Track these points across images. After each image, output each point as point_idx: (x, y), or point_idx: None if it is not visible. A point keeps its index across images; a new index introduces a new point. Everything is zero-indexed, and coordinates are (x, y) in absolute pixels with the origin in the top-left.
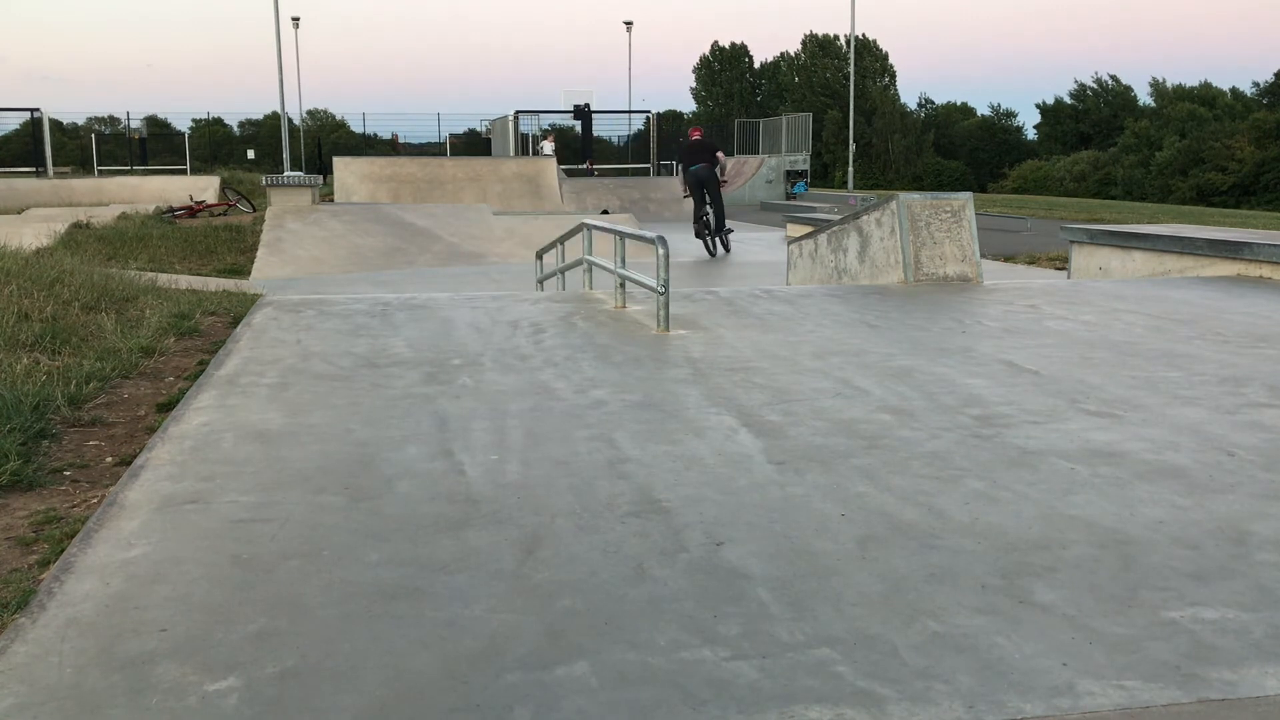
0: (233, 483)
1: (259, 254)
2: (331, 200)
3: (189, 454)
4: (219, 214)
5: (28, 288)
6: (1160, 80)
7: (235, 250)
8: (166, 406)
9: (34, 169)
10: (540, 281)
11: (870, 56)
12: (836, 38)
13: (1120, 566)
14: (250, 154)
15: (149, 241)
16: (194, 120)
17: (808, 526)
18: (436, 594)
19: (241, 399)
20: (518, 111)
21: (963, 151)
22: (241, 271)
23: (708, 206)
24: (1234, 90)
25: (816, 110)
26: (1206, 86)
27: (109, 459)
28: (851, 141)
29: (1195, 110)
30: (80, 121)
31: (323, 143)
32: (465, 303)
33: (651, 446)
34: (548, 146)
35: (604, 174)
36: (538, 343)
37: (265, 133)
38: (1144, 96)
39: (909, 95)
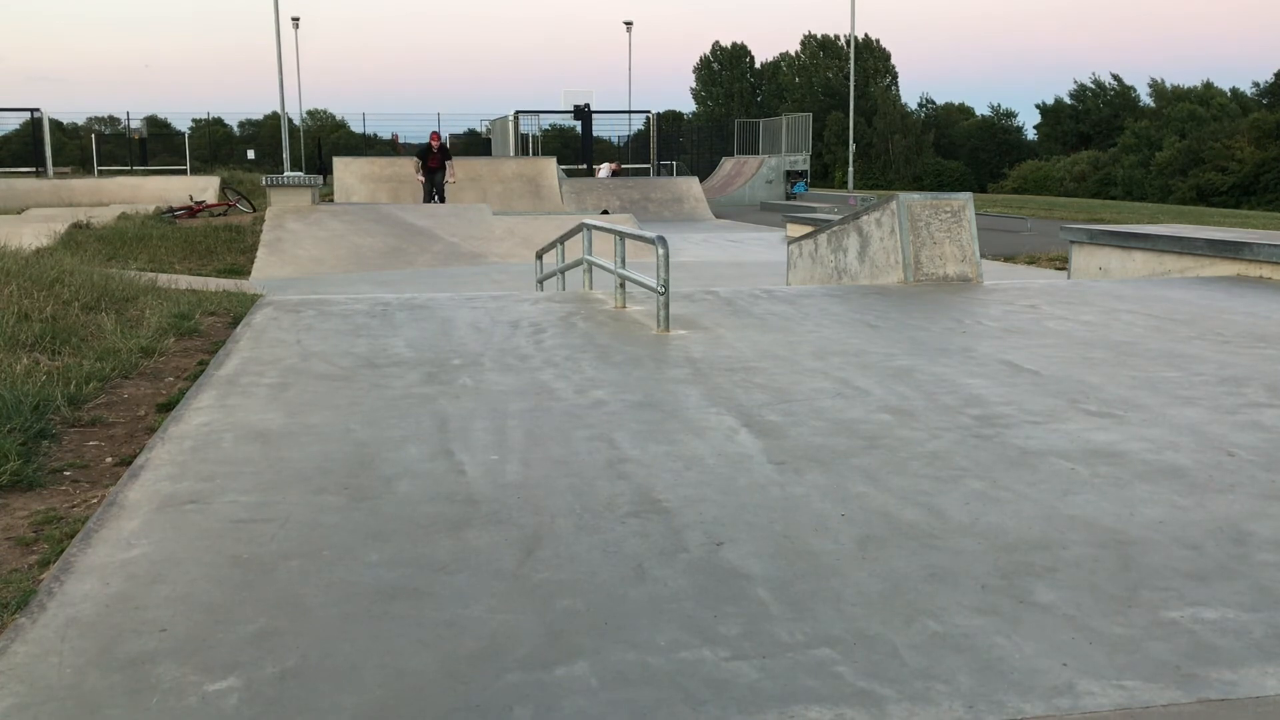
0: (233, 483)
1: (259, 254)
2: (331, 200)
3: (189, 454)
4: (219, 214)
5: (28, 288)
6: (1160, 80)
7: (235, 250)
8: (166, 406)
9: (34, 169)
10: (540, 281)
11: (871, 56)
12: (837, 38)
13: (1120, 566)
14: (250, 154)
15: (149, 241)
16: (194, 120)
17: (808, 526)
18: (436, 594)
19: (241, 399)
20: (518, 111)
21: (963, 151)
22: (241, 272)
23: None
24: (1234, 90)
25: (817, 111)
26: (1206, 87)
27: (109, 459)
28: (851, 142)
29: (1195, 110)
30: (80, 121)
31: (323, 143)
32: (465, 303)
33: (651, 446)
34: (604, 170)
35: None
36: (538, 343)
37: (265, 133)
38: (1144, 97)
39: (910, 95)
